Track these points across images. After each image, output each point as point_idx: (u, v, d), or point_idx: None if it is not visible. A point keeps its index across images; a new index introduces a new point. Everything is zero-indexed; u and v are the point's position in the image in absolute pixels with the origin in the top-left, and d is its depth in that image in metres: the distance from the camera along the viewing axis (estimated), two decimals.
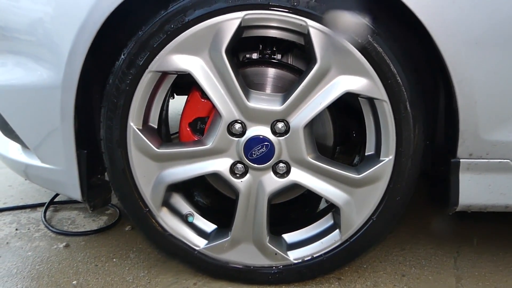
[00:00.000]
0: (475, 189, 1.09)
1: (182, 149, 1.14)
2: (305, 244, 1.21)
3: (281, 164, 1.12)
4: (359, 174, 1.10)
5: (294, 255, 1.20)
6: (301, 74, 1.14)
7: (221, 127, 1.10)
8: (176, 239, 1.20)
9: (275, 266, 1.21)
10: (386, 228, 1.17)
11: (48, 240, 1.51)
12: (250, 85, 1.14)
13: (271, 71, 1.16)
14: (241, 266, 1.21)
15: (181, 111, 1.22)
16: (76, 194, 1.23)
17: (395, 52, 1.00)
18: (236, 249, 1.20)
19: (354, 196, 1.12)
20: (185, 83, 1.16)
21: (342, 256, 1.19)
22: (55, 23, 1.08)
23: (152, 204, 1.17)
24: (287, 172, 1.13)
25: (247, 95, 1.08)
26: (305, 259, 1.20)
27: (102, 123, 1.13)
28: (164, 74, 1.10)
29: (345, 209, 1.13)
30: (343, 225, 1.15)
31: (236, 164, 1.13)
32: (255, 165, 1.11)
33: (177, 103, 1.43)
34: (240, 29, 1.02)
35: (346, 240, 1.16)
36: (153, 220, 1.18)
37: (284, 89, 1.15)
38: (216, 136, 1.10)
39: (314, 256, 1.19)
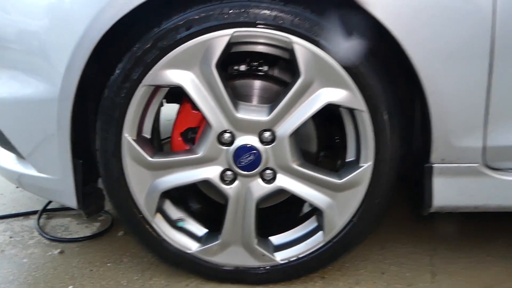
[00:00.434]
0: (447, 192, 1.17)
1: (174, 158, 1.20)
2: (291, 246, 1.28)
3: (268, 171, 1.19)
4: (340, 179, 1.18)
5: (280, 256, 1.27)
6: (286, 85, 1.22)
7: (211, 136, 1.16)
8: (169, 244, 1.26)
9: (262, 267, 1.28)
10: (367, 229, 1.25)
11: (43, 247, 1.56)
12: (238, 96, 1.21)
13: (258, 83, 1.23)
14: (231, 268, 1.28)
15: (172, 119, 1.28)
16: (72, 202, 1.28)
17: (373, 65, 1.09)
18: (226, 252, 1.27)
19: (336, 199, 1.20)
20: (175, 92, 1.22)
21: (325, 256, 1.26)
22: (53, 39, 1.13)
23: (146, 210, 1.23)
24: (274, 178, 1.20)
25: (235, 106, 1.15)
26: (291, 259, 1.27)
27: (97, 135, 1.18)
28: (157, 88, 1.16)
29: (328, 212, 1.21)
30: (326, 227, 1.22)
31: (226, 171, 1.20)
32: (244, 172, 1.18)
33: (167, 109, 1.49)
34: (229, 45, 1.09)
35: (329, 241, 1.24)
36: (147, 226, 1.24)
37: (271, 100, 1.22)
38: (207, 145, 1.17)
39: (299, 256, 1.26)
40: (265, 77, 1.24)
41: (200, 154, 1.18)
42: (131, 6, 1.04)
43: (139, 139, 1.19)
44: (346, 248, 1.27)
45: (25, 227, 1.71)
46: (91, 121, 1.26)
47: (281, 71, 1.26)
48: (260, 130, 1.16)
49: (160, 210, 1.26)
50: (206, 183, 1.23)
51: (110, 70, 1.15)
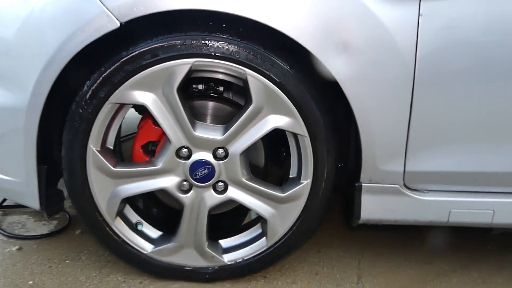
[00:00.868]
0: (373, 207, 1.36)
1: (135, 168, 1.32)
2: (238, 249, 1.43)
3: (220, 183, 1.33)
4: (283, 193, 1.34)
5: (228, 258, 1.42)
6: (238, 106, 1.37)
7: (170, 151, 1.29)
8: (127, 244, 1.38)
9: (211, 267, 1.42)
10: (304, 236, 1.42)
11: (0, 243, 1.62)
12: (196, 114, 1.34)
13: (214, 104, 1.37)
14: (183, 267, 1.41)
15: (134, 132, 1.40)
16: (35, 204, 1.36)
17: (315, 98, 1.25)
18: (179, 253, 1.40)
19: (278, 210, 1.36)
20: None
21: (267, 258, 1.42)
22: (25, 53, 1.21)
23: (107, 214, 1.34)
24: (225, 190, 1.34)
25: (193, 125, 1.28)
26: (237, 261, 1.42)
27: (64, 144, 1.28)
28: (122, 105, 1.27)
29: (271, 221, 1.37)
30: (269, 233, 1.39)
31: (182, 182, 1.33)
32: (198, 184, 1.32)
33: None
34: (190, 71, 1.22)
35: (271, 246, 1.40)
36: (108, 228, 1.35)
37: (224, 118, 1.36)
38: (166, 159, 1.30)
39: (245, 258, 1.42)
40: (221, 99, 1.38)
41: (159, 166, 1.31)
42: (101, 33, 1.14)
43: (103, 149, 1.30)
44: (286, 252, 1.44)
45: None
46: (54, 129, 1.35)
47: (234, 94, 1.40)
48: (215, 148, 1.30)
49: (120, 214, 1.38)
50: (164, 191, 1.35)
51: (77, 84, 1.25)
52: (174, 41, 1.18)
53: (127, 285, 1.42)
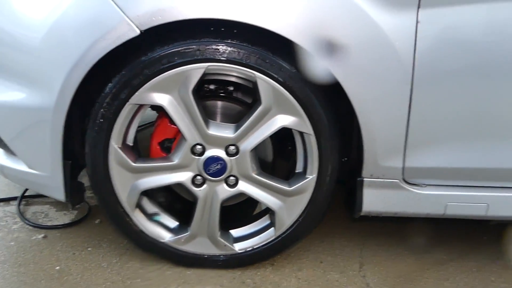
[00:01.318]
0: (374, 200, 1.45)
1: (153, 164, 1.43)
2: (248, 238, 1.53)
3: (231, 178, 1.44)
4: (290, 187, 1.44)
5: (238, 247, 1.52)
6: (247, 105, 1.46)
7: (185, 148, 1.39)
8: (145, 234, 1.49)
9: (223, 255, 1.53)
10: (310, 227, 1.52)
11: (27, 231, 1.74)
12: (207, 113, 1.44)
13: (225, 103, 1.46)
14: (197, 255, 1.52)
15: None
16: (61, 196, 1.47)
17: (320, 98, 1.34)
18: (194, 242, 1.51)
19: (286, 203, 1.46)
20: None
21: (275, 247, 1.53)
22: (52, 58, 1.31)
23: (128, 206, 1.45)
24: (236, 183, 1.45)
25: (207, 124, 1.38)
26: (247, 249, 1.52)
27: (87, 141, 1.38)
28: (141, 106, 1.37)
29: (279, 213, 1.47)
30: (277, 224, 1.49)
31: (196, 176, 1.43)
32: (211, 178, 1.43)
33: None
34: (204, 75, 1.31)
35: (279, 236, 1.50)
36: (128, 219, 1.47)
37: (234, 116, 1.46)
38: (181, 155, 1.40)
39: (254, 247, 1.52)
40: (231, 98, 1.47)
41: (175, 161, 1.41)
42: (122, 40, 1.24)
43: (124, 146, 1.41)
44: (292, 241, 1.54)
45: (7, 212, 1.87)
46: (77, 127, 1.46)
47: (243, 93, 1.50)
48: (227, 145, 1.40)
49: (138, 205, 1.49)
50: (179, 185, 1.46)
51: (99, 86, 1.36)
52: (189, 47, 1.27)
53: (145, 271, 1.53)
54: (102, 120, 1.35)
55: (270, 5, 1.23)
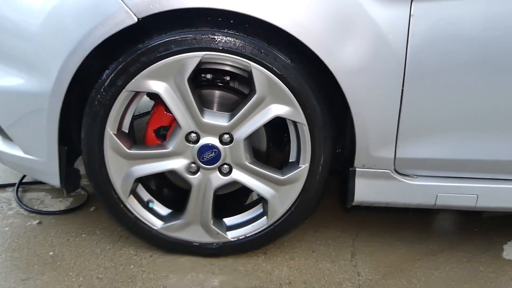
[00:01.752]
0: (366, 190, 1.48)
1: (148, 151, 1.44)
2: (240, 226, 1.56)
3: (225, 166, 1.45)
4: (283, 176, 1.46)
5: (231, 235, 1.54)
6: (243, 95, 1.48)
7: (180, 135, 1.41)
8: (139, 220, 1.51)
9: (216, 243, 1.55)
10: (302, 216, 1.55)
11: (22, 217, 1.76)
12: (204, 102, 1.46)
13: (221, 93, 1.48)
14: (190, 242, 1.54)
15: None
16: (56, 182, 1.49)
17: (314, 89, 1.36)
18: (187, 229, 1.53)
19: (279, 192, 1.48)
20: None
21: (268, 236, 1.55)
22: (50, 44, 1.32)
23: (122, 192, 1.46)
24: (230, 172, 1.46)
25: (202, 112, 1.40)
26: (240, 237, 1.55)
27: (83, 128, 1.40)
28: (137, 93, 1.39)
29: (271, 201, 1.49)
30: (269, 213, 1.51)
31: (191, 164, 1.45)
32: (205, 166, 1.44)
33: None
34: (200, 63, 1.33)
35: (271, 224, 1.52)
36: (122, 205, 1.48)
37: (230, 106, 1.48)
38: (176, 142, 1.42)
39: (247, 235, 1.54)
40: (227, 88, 1.49)
41: (170, 149, 1.43)
42: (120, 27, 1.25)
43: (119, 133, 1.42)
44: (285, 230, 1.57)
45: (3, 198, 1.89)
46: (74, 114, 1.47)
47: (239, 83, 1.51)
48: (221, 133, 1.41)
49: (133, 192, 1.50)
50: (173, 172, 1.48)
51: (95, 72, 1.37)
52: (186, 36, 1.29)
53: (138, 258, 1.55)
54: (98, 106, 1.36)
55: None
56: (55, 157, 1.45)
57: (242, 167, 1.46)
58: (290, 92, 1.35)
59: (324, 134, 1.41)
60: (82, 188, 1.93)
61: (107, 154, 1.41)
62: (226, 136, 1.41)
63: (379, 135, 1.38)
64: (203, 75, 1.50)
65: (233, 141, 1.42)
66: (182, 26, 1.30)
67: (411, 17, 1.25)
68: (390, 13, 1.25)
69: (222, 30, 1.30)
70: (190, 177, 1.46)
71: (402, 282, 1.51)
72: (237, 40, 1.29)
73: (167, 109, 1.45)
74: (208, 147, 1.42)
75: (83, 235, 1.66)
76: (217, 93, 1.48)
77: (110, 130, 1.39)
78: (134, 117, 1.49)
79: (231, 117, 1.40)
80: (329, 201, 1.93)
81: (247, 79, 1.44)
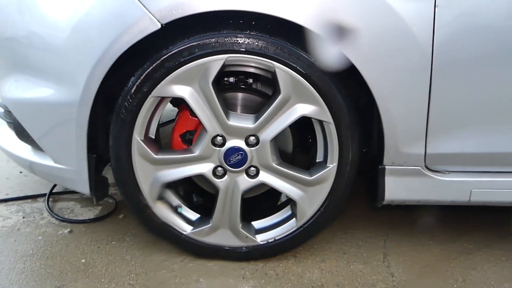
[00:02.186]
0: (396, 188, 1.45)
1: (175, 155, 1.45)
2: (269, 229, 1.54)
3: (252, 168, 1.45)
4: (311, 176, 1.45)
5: (260, 238, 1.53)
6: (266, 96, 1.48)
7: (206, 139, 1.41)
8: (167, 226, 1.51)
9: (245, 247, 1.54)
10: (331, 217, 1.52)
11: (53, 226, 1.79)
12: (228, 105, 1.46)
13: (244, 95, 1.48)
14: (219, 247, 1.54)
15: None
16: (85, 190, 1.51)
17: (339, 87, 1.35)
18: (215, 233, 1.52)
19: (307, 192, 1.47)
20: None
21: (297, 238, 1.53)
22: (76, 55, 1.34)
23: (150, 198, 1.47)
24: (257, 174, 1.46)
25: (227, 115, 1.40)
26: (269, 241, 1.53)
27: (111, 134, 1.42)
28: (163, 98, 1.40)
29: (300, 203, 1.48)
30: (298, 215, 1.49)
31: (217, 167, 1.45)
32: (232, 169, 1.44)
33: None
34: (224, 66, 1.33)
35: (301, 226, 1.51)
36: (150, 211, 1.49)
37: (254, 108, 1.47)
38: (202, 146, 1.42)
39: (276, 238, 1.53)
40: (250, 90, 1.49)
41: (196, 153, 1.43)
42: (144, 34, 1.27)
43: (146, 139, 1.43)
44: (314, 232, 1.54)
45: (35, 208, 1.93)
46: (101, 123, 1.49)
47: (262, 85, 1.51)
48: (247, 135, 1.41)
49: (161, 197, 1.51)
50: (200, 176, 1.48)
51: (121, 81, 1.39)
52: (209, 39, 1.30)
53: (169, 263, 1.56)
54: (125, 113, 1.38)
55: None
56: (85, 165, 1.47)
57: (269, 168, 1.45)
58: (315, 90, 1.33)
59: (351, 132, 1.39)
60: (110, 196, 1.95)
61: (134, 160, 1.43)
62: (252, 138, 1.41)
63: (408, 130, 1.36)
64: (225, 78, 1.51)
65: (259, 143, 1.41)
66: (205, 31, 1.31)
67: (436, 8, 1.22)
68: (414, 5, 1.23)
69: (244, 32, 1.30)
70: (217, 180, 1.46)
71: (438, 283, 1.47)
72: (259, 41, 1.29)
73: (192, 113, 1.45)
74: (235, 150, 1.42)
75: (113, 242, 1.68)
76: (240, 95, 1.48)
77: (137, 136, 1.40)
78: (159, 125, 1.50)
79: (257, 118, 1.40)
80: (357, 202, 1.89)
81: (269, 80, 1.43)
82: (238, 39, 1.29)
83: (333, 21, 1.25)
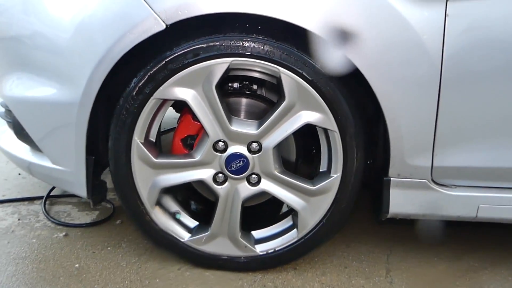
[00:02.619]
0: (401, 201, 1.40)
1: (175, 160, 1.42)
2: (269, 240, 1.50)
3: (253, 176, 1.41)
4: (314, 186, 1.41)
5: (260, 248, 1.49)
6: (271, 103, 1.45)
7: (208, 144, 1.38)
8: (165, 232, 1.47)
9: (244, 257, 1.49)
10: (334, 229, 1.48)
11: (49, 229, 1.75)
12: (231, 111, 1.43)
13: (248, 101, 1.45)
14: (217, 256, 1.49)
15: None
16: (83, 192, 1.47)
17: (345, 95, 1.31)
18: (214, 242, 1.48)
19: (309, 203, 1.43)
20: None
21: (298, 250, 1.48)
22: (78, 54, 1.32)
23: (148, 203, 1.43)
24: (258, 182, 1.42)
25: (230, 120, 1.36)
26: (269, 251, 1.49)
27: (110, 136, 1.39)
28: (165, 100, 1.37)
29: (302, 213, 1.43)
30: (300, 225, 1.45)
31: (218, 174, 1.41)
32: (233, 176, 1.40)
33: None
34: (228, 70, 1.30)
35: (302, 238, 1.46)
36: (148, 216, 1.45)
37: (258, 114, 1.44)
38: (203, 151, 1.39)
39: (276, 249, 1.48)
40: (254, 96, 1.46)
41: (197, 158, 1.40)
42: (148, 34, 1.25)
43: (146, 142, 1.40)
44: (315, 244, 1.50)
45: (31, 211, 1.89)
46: (100, 123, 1.46)
47: (267, 91, 1.48)
48: (249, 142, 1.37)
49: (159, 203, 1.47)
50: (200, 183, 1.44)
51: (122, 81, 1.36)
52: (214, 42, 1.27)
53: (165, 271, 1.51)
54: (126, 114, 1.35)
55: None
56: (83, 167, 1.44)
57: (271, 176, 1.41)
58: (320, 98, 1.30)
59: (357, 141, 1.35)
60: (108, 201, 1.92)
61: (134, 163, 1.39)
62: (254, 144, 1.38)
63: (415, 142, 1.32)
64: (229, 84, 1.48)
65: (262, 150, 1.38)
66: (211, 33, 1.29)
67: (446, 17, 1.20)
68: (424, 14, 1.20)
69: (250, 36, 1.27)
70: (217, 187, 1.42)
71: None
72: (265, 46, 1.27)
73: (194, 117, 1.42)
74: (236, 156, 1.38)
75: (108, 248, 1.63)
76: (244, 101, 1.45)
77: (137, 139, 1.37)
78: (159, 133, 1.47)
79: (260, 124, 1.37)
80: (360, 214, 1.85)
81: (274, 87, 1.40)
82: (243, 42, 1.27)
83: (341, 27, 1.23)
